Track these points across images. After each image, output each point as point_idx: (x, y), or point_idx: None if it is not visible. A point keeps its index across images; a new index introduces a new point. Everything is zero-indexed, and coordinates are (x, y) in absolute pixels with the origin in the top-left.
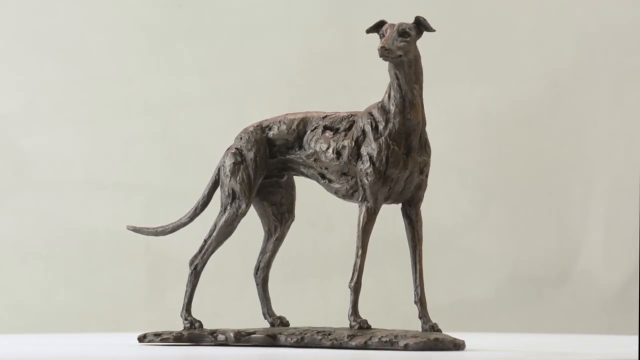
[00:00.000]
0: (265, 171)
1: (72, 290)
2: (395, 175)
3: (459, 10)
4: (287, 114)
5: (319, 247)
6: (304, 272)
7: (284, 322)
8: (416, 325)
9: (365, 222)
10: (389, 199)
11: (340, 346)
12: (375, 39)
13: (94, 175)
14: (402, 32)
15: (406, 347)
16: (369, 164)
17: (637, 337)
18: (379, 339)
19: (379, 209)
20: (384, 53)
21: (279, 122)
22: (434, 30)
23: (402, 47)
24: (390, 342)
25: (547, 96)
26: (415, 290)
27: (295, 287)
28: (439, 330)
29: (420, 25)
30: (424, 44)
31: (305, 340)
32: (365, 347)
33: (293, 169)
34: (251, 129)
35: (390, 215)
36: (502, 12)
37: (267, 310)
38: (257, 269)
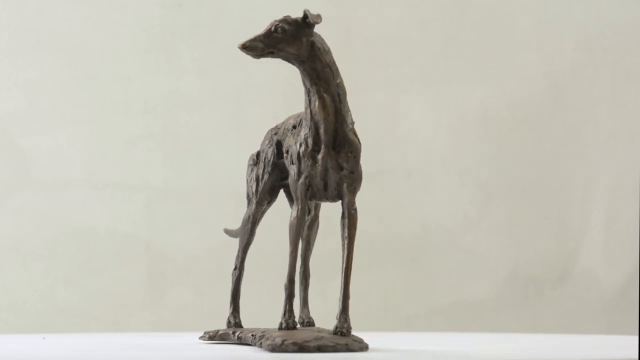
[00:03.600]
0: (277, 172)
1: (72, 290)
2: (307, 172)
3: (459, 10)
4: (297, 114)
5: (319, 247)
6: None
7: (311, 323)
8: (416, 325)
9: (291, 219)
10: (315, 196)
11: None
12: (375, 39)
13: (94, 175)
14: (276, 29)
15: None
16: (289, 161)
17: (637, 337)
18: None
19: (304, 207)
20: (241, 48)
21: (284, 122)
22: (315, 22)
23: (268, 43)
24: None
25: (547, 96)
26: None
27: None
28: (345, 335)
29: (306, 19)
30: (424, 43)
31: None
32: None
33: None
34: (267, 130)
35: (391, 215)
36: (502, 12)
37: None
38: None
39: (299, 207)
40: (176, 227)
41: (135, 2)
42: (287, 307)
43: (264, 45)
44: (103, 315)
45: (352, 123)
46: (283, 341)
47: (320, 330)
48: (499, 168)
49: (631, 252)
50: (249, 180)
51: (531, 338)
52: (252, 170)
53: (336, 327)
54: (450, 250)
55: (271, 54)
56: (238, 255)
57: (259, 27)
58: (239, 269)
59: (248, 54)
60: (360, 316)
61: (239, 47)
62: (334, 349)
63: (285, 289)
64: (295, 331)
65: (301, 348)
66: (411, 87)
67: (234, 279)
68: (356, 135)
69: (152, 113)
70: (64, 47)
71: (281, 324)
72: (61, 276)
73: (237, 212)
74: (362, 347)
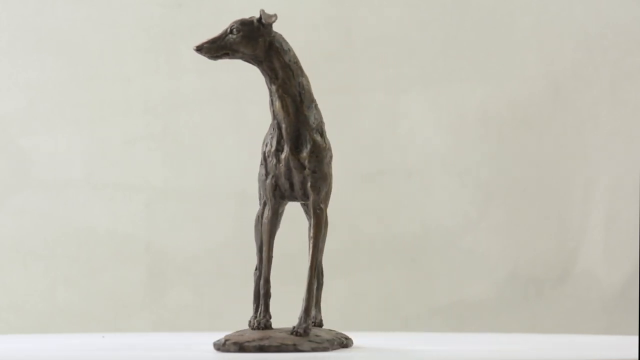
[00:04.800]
0: None
1: (72, 290)
2: (273, 172)
3: (459, 10)
4: None
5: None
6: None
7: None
8: (416, 325)
9: (263, 219)
10: (284, 196)
11: None
12: (375, 39)
13: (94, 175)
14: (231, 30)
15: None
16: (260, 160)
17: (637, 337)
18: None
19: (275, 206)
20: (196, 49)
21: None
22: (268, 22)
23: (223, 45)
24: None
25: (547, 96)
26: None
27: (295, 287)
28: (302, 335)
29: (261, 19)
30: (424, 43)
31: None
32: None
33: None
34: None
35: (391, 215)
36: (502, 12)
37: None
38: None
39: (269, 207)
40: (176, 227)
41: (135, 2)
42: (262, 306)
43: (219, 46)
44: (103, 315)
45: (317, 122)
46: (226, 341)
47: (286, 331)
48: (499, 168)
49: (631, 252)
50: (258, 181)
51: (531, 338)
52: (260, 169)
53: (293, 328)
54: (450, 250)
55: (226, 55)
56: (257, 256)
57: None
58: (259, 269)
59: (204, 56)
60: (360, 316)
61: (194, 49)
62: (278, 349)
63: (261, 288)
64: (257, 331)
65: (241, 348)
66: (411, 87)
67: (255, 280)
68: (322, 135)
69: (152, 113)
70: (64, 47)
71: (250, 322)
72: (61, 276)
73: (237, 212)
74: (323, 347)
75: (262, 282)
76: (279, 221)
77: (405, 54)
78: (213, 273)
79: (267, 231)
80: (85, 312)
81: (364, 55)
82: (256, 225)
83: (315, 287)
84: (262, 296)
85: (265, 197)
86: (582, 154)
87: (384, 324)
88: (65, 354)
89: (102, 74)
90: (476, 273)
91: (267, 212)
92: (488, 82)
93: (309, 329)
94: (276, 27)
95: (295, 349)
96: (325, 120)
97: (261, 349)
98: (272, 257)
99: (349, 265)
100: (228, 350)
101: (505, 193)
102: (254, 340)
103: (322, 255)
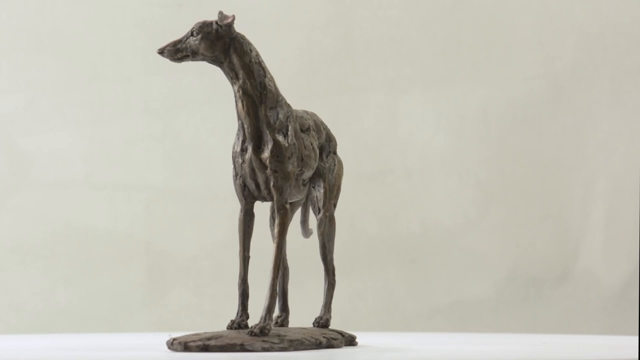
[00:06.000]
0: None
1: (72, 290)
2: (239, 172)
3: (459, 10)
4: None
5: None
6: (304, 272)
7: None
8: (416, 325)
9: (238, 219)
10: (253, 196)
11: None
12: (375, 39)
13: (94, 175)
14: (192, 32)
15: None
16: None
17: (637, 337)
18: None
19: (246, 206)
20: (159, 52)
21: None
22: (223, 24)
23: (184, 47)
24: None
25: (547, 96)
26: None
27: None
28: (257, 335)
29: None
30: (424, 43)
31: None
32: None
33: None
34: None
35: (391, 215)
36: (502, 12)
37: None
38: None
39: (241, 207)
40: (176, 227)
41: (135, 2)
42: (240, 306)
43: (179, 49)
44: (103, 315)
45: (281, 122)
46: (173, 340)
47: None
48: (499, 168)
49: (631, 252)
50: None
51: (531, 338)
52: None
53: (250, 327)
54: (450, 250)
55: (187, 57)
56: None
57: (258, 27)
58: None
59: (167, 58)
60: (360, 316)
61: (157, 52)
62: (221, 348)
63: (238, 288)
64: (229, 331)
65: (186, 347)
66: (411, 87)
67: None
68: (286, 135)
69: (152, 113)
70: (64, 47)
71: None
72: (61, 276)
73: (236, 212)
74: (280, 347)
75: (238, 281)
76: (253, 221)
77: (405, 54)
78: (213, 273)
79: (240, 231)
80: (85, 312)
81: (364, 55)
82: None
83: (277, 287)
84: (239, 296)
85: (238, 197)
86: (582, 154)
87: (384, 324)
88: (66, 354)
89: (102, 74)
90: (476, 273)
91: (239, 213)
92: (488, 82)
93: (266, 329)
94: (276, 27)
95: (242, 348)
96: (325, 120)
97: (205, 348)
98: (248, 257)
99: (349, 265)
100: (176, 350)
101: (505, 193)
102: (199, 340)
103: (332, 255)
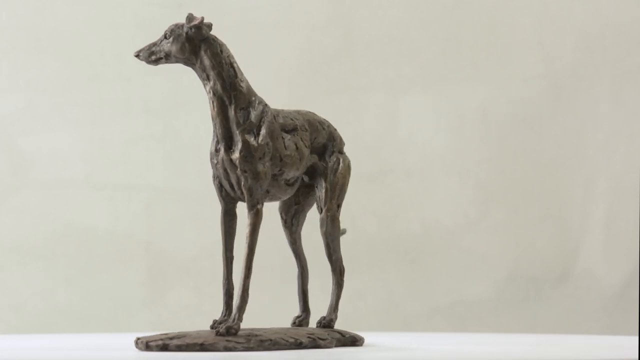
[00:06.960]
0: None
1: (72, 290)
2: (215, 172)
3: (459, 10)
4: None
5: (318, 247)
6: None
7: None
8: (416, 325)
9: (220, 219)
10: (230, 196)
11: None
12: (375, 39)
13: (94, 175)
14: (166, 35)
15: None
16: None
17: (637, 337)
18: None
19: (226, 206)
20: (135, 55)
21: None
22: (191, 26)
23: (158, 50)
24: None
25: (547, 96)
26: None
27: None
28: (224, 334)
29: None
30: (424, 43)
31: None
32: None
33: None
34: None
35: (391, 215)
36: (502, 12)
37: None
38: None
39: (222, 207)
40: (176, 227)
41: (135, 2)
42: (224, 306)
43: (153, 52)
44: (103, 315)
45: (251, 123)
46: (137, 340)
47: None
48: (499, 168)
49: (631, 252)
50: None
51: (531, 338)
52: None
53: (217, 327)
54: (450, 250)
55: (161, 59)
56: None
57: (258, 27)
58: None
59: (143, 61)
60: (361, 316)
61: (134, 55)
62: (178, 348)
63: (222, 288)
64: (191, 331)
65: (147, 347)
66: (411, 87)
67: (298, 280)
68: (256, 135)
69: (152, 113)
70: (64, 47)
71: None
72: (61, 276)
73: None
74: (245, 347)
75: (223, 281)
76: (235, 221)
77: (405, 54)
78: (213, 273)
79: (222, 231)
80: (85, 312)
81: (364, 55)
82: None
83: (248, 287)
84: (223, 295)
85: (218, 197)
86: (582, 154)
87: (384, 324)
88: (66, 354)
89: (102, 74)
90: (476, 273)
91: (220, 213)
92: (488, 82)
93: (233, 329)
94: (276, 27)
95: (202, 348)
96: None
97: (164, 347)
98: (231, 257)
99: (350, 265)
100: (140, 349)
101: (505, 193)
102: (160, 339)
103: (337, 255)
